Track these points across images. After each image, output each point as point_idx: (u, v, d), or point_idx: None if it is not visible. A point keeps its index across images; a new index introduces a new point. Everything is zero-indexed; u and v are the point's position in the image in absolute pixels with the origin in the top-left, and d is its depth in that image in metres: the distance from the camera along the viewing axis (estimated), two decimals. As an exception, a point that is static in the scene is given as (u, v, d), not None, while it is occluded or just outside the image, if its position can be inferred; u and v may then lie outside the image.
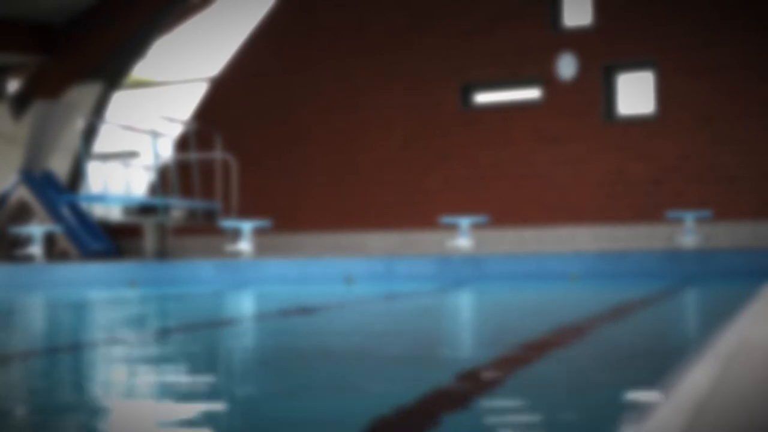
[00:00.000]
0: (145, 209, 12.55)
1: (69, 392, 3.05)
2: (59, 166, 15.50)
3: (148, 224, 13.45)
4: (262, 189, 15.29)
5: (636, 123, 13.22)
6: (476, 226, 13.57)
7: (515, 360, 3.52)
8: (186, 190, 15.10)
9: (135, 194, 15.53)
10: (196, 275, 10.79)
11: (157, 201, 12.44)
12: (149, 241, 13.60)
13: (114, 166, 16.27)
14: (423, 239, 14.21)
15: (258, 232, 14.93)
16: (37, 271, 11.43)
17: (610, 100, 13.56)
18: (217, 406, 2.71)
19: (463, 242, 11.50)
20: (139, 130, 12.74)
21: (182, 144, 15.71)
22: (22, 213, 14.99)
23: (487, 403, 2.64)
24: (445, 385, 2.93)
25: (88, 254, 14.52)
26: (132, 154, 18.06)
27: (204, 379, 3.27)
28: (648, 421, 1.46)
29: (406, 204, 14.42)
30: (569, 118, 13.54)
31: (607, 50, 13.38)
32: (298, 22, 15.39)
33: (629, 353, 3.76)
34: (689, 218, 11.00)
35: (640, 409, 2.42)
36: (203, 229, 15.35)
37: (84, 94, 15.36)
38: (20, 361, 3.85)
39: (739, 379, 1.83)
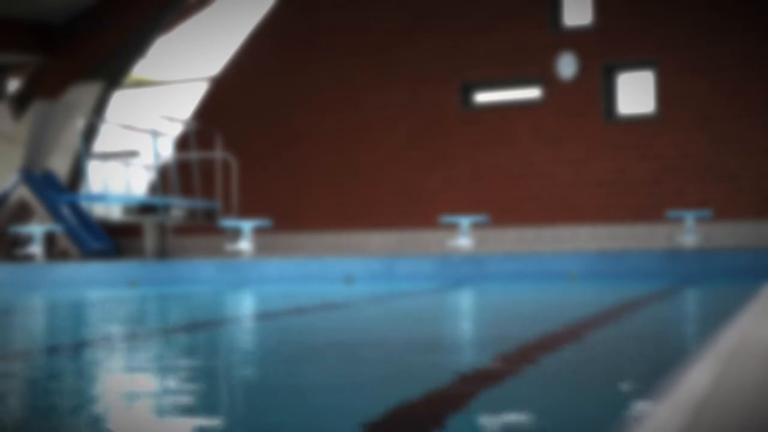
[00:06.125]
0: (145, 209, 12.55)
1: (69, 392, 3.05)
2: (59, 165, 15.50)
3: (148, 224, 13.45)
4: (262, 189, 15.29)
5: (636, 123, 13.22)
6: (476, 226, 13.57)
7: (515, 359, 3.52)
8: (186, 190, 15.09)
9: (135, 194, 15.53)
10: (197, 275, 10.79)
11: (157, 200, 12.44)
12: (149, 240, 13.60)
13: (114, 165, 16.27)
14: (423, 239, 14.21)
15: (258, 232, 14.93)
16: (37, 270, 11.43)
17: (611, 99, 13.56)
18: (215, 406, 2.71)
19: (463, 242, 11.50)
20: (139, 130, 12.75)
21: (182, 143, 15.71)
22: (22, 213, 14.99)
23: (486, 403, 2.64)
24: (443, 386, 2.93)
25: (88, 254, 14.52)
26: (132, 154, 18.06)
27: (202, 379, 3.27)
28: (648, 421, 1.46)
29: (406, 204, 14.42)
30: (569, 117, 13.54)
31: (607, 50, 13.38)
32: (298, 22, 15.39)
33: (629, 353, 3.76)
34: (689, 218, 11.00)
35: (640, 409, 2.43)
36: (203, 228, 15.35)
37: (84, 94, 15.36)
38: (21, 361, 3.85)
39: (739, 379, 1.83)
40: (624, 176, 13.17)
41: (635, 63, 13.36)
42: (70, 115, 15.33)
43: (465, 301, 7.21)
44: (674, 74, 12.99)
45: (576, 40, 13.54)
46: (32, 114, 15.33)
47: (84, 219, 15.18)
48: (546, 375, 3.18)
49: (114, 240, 15.67)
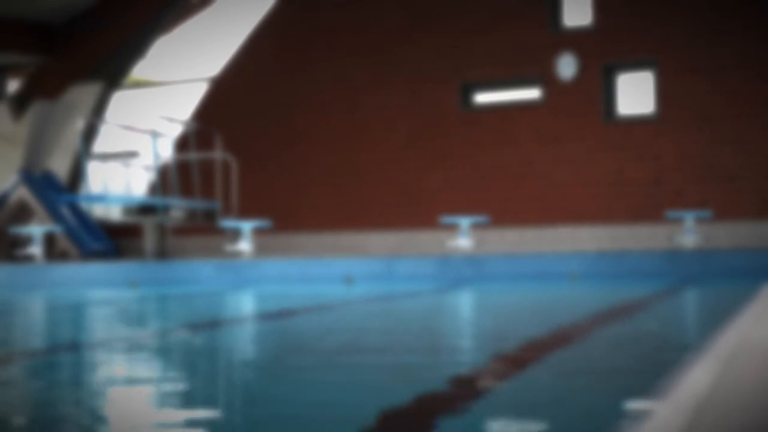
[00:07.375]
0: (145, 209, 12.55)
1: (69, 393, 3.05)
2: (59, 166, 15.50)
3: (148, 224, 13.45)
4: (262, 189, 15.29)
5: (636, 123, 13.21)
6: (476, 226, 13.57)
7: (515, 360, 3.52)
8: (186, 190, 15.09)
9: (135, 194, 15.53)
10: (196, 275, 10.78)
11: (157, 201, 12.44)
12: (149, 241, 13.60)
13: (114, 166, 16.27)
14: (423, 239, 14.21)
15: (258, 232, 14.93)
16: (37, 271, 11.43)
17: (610, 100, 13.56)
18: (214, 406, 2.71)
19: (463, 242, 11.50)
20: (139, 130, 12.74)
21: (182, 144, 15.71)
22: (22, 213, 14.99)
23: (486, 404, 2.64)
24: (440, 388, 2.93)
25: (88, 254, 14.52)
26: (132, 154, 18.06)
27: (202, 379, 3.27)
28: (648, 421, 1.46)
29: (406, 204, 14.42)
30: (569, 118, 13.54)
31: (607, 50, 13.38)
32: (298, 22, 15.39)
33: (629, 353, 3.76)
34: (689, 218, 11.00)
35: (640, 410, 2.42)
36: (203, 229, 15.35)
37: (84, 94, 15.36)
38: (21, 362, 3.85)
39: (739, 379, 1.83)
40: (624, 176, 13.17)
41: (635, 63, 13.36)
42: (69, 116, 15.33)
43: (465, 301, 7.21)
44: (674, 74, 12.99)
45: (576, 40, 13.54)
46: (32, 114, 15.33)
47: (84, 219, 15.18)
48: (546, 375, 3.18)
49: (114, 240, 15.67)
